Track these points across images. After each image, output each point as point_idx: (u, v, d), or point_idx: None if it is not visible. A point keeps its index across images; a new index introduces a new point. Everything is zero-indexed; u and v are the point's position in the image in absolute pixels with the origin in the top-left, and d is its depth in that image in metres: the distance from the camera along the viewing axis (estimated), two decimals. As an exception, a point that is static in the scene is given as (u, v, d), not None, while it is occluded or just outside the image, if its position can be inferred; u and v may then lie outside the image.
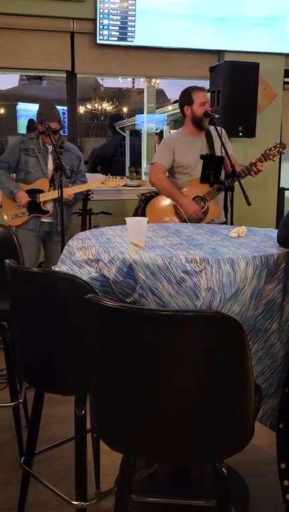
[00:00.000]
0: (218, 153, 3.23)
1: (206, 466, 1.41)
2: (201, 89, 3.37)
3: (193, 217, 3.26)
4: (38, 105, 3.67)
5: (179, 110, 3.53)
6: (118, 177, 3.83)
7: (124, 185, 5.10)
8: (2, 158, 3.67)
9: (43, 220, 3.60)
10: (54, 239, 3.62)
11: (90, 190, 4.03)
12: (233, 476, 2.15)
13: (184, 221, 3.27)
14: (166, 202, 3.38)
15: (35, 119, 3.63)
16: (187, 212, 3.26)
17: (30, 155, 3.57)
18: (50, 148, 3.56)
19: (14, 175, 3.68)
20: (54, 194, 3.48)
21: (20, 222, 3.58)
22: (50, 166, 3.58)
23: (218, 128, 3.24)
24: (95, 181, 3.77)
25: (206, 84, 4.41)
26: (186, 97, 3.36)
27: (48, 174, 3.58)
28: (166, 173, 3.47)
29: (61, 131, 3.63)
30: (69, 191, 3.53)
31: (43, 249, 3.75)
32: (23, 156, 3.57)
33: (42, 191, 3.55)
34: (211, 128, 3.29)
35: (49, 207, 3.57)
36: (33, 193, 3.55)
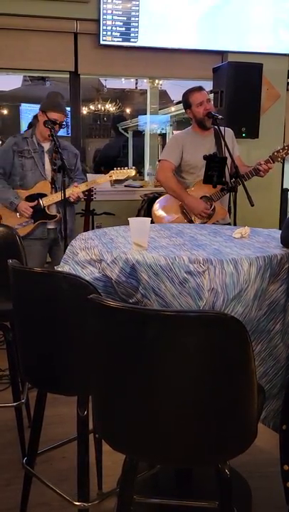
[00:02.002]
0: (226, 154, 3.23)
1: (209, 467, 1.40)
2: (197, 89, 3.33)
3: (201, 215, 3.24)
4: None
5: (181, 111, 3.54)
6: (126, 168, 3.59)
7: (126, 186, 5.10)
8: None
9: (49, 226, 3.38)
10: (60, 244, 3.39)
11: (92, 191, 3.97)
12: (236, 477, 2.14)
13: (190, 221, 3.27)
14: (172, 201, 3.38)
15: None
16: (194, 212, 3.25)
17: (26, 157, 3.32)
18: (45, 147, 3.36)
19: None
20: (58, 196, 3.26)
21: (25, 232, 3.30)
22: (48, 166, 3.35)
23: (223, 128, 3.23)
24: (103, 176, 3.55)
25: (209, 85, 4.41)
26: (184, 102, 3.38)
27: (47, 176, 3.35)
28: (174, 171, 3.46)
29: (64, 132, 3.48)
30: (76, 190, 3.32)
31: (49, 257, 3.53)
32: (17, 158, 3.32)
33: (44, 195, 3.32)
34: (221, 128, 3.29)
35: (55, 211, 3.36)
36: (35, 198, 3.32)
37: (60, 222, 3.35)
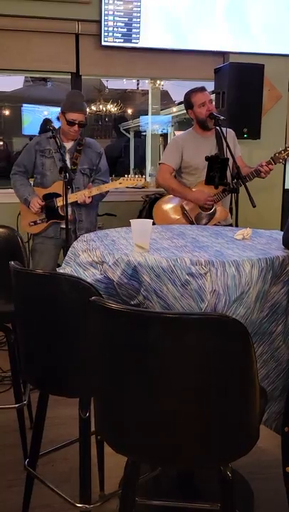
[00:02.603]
0: (227, 154, 3.23)
1: (211, 469, 1.40)
2: (200, 90, 3.33)
3: (207, 204, 3.25)
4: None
5: (183, 112, 3.54)
6: (137, 176, 3.61)
7: (127, 187, 5.08)
8: (18, 161, 3.47)
9: (62, 226, 3.33)
10: (66, 246, 3.38)
11: None
12: (238, 479, 2.14)
13: (191, 222, 3.27)
14: (173, 203, 3.38)
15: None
16: (200, 203, 3.26)
17: (46, 156, 3.36)
18: (67, 146, 3.36)
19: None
20: (72, 197, 3.24)
21: (38, 229, 3.36)
22: (69, 166, 3.30)
23: (224, 129, 3.23)
24: (113, 182, 3.54)
25: (210, 85, 4.40)
26: (186, 102, 3.38)
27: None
28: (173, 174, 3.46)
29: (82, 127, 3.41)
30: (87, 194, 3.30)
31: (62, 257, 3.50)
32: (39, 157, 3.37)
33: (59, 195, 3.28)
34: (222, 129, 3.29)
35: (68, 211, 3.28)
36: (51, 197, 3.33)
37: (74, 223, 3.35)
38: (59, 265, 3.53)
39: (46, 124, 3.66)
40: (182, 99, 3.47)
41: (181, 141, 3.44)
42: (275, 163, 3.22)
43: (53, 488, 1.81)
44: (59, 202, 3.31)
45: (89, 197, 3.30)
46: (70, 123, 3.23)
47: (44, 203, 3.34)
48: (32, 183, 3.49)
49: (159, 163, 3.47)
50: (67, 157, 3.34)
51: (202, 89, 3.34)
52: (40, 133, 4.07)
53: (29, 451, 1.90)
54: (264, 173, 3.21)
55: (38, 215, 3.36)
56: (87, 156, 3.37)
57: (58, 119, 3.30)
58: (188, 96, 3.35)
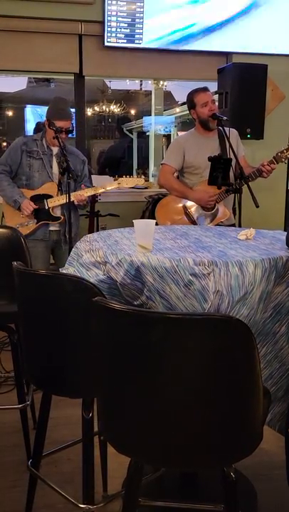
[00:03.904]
0: (230, 155, 3.23)
1: (214, 470, 1.40)
2: (202, 90, 3.34)
3: (209, 204, 3.25)
4: (46, 107, 3.53)
5: (186, 112, 3.53)
6: (135, 176, 3.66)
7: (130, 187, 5.08)
8: (3, 160, 3.38)
9: (51, 228, 3.37)
10: (63, 248, 3.38)
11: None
12: (241, 480, 2.13)
13: (194, 222, 3.27)
14: (175, 203, 3.38)
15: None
16: (202, 203, 3.26)
17: (34, 157, 3.33)
18: (54, 150, 3.36)
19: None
20: (63, 199, 3.27)
21: (27, 231, 3.29)
22: (56, 169, 3.35)
23: (227, 129, 3.23)
24: (111, 183, 3.56)
25: (213, 86, 4.40)
26: (189, 102, 3.38)
27: (54, 178, 3.35)
28: (176, 174, 3.46)
29: (69, 134, 3.44)
30: (83, 194, 3.32)
31: (52, 259, 3.53)
32: (25, 158, 3.33)
33: (50, 196, 3.32)
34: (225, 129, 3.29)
35: (59, 213, 3.35)
36: (40, 198, 3.32)
37: (64, 225, 3.35)
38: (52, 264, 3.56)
39: (38, 127, 3.62)
40: (185, 100, 3.47)
41: (182, 142, 3.44)
42: (278, 163, 3.21)
43: (56, 489, 1.81)
44: (50, 203, 3.32)
45: (86, 197, 3.32)
46: (58, 130, 3.21)
47: (37, 206, 3.32)
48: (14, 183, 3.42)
49: (161, 164, 3.48)
50: (55, 161, 3.36)
51: (205, 89, 3.34)
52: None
53: (32, 452, 1.90)
54: (266, 172, 3.20)
55: (28, 217, 3.32)
56: (72, 162, 3.34)
57: (48, 126, 3.27)
58: (191, 96, 3.35)
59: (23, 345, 1.79)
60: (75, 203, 3.33)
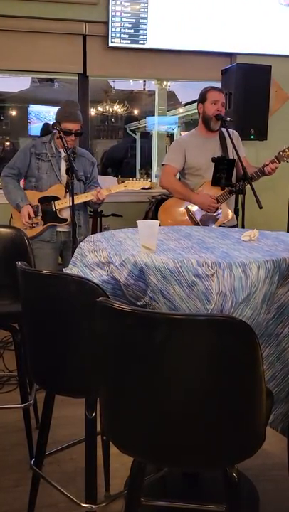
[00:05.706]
0: (230, 155, 3.23)
1: (217, 470, 1.40)
2: (218, 89, 3.40)
3: (211, 209, 3.25)
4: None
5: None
6: (142, 179, 3.62)
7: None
8: (11, 164, 3.43)
9: (59, 229, 3.38)
10: (71, 248, 3.30)
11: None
12: (244, 481, 2.13)
13: (196, 224, 3.27)
14: (177, 206, 3.38)
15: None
16: (203, 207, 3.26)
17: (43, 160, 3.36)
18: (62, 153, 3.37)
19: (23, 182, 3.46)
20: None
21: (34, 233, 3.32)
22: (64, 171, 3.37)
23: (230, 130, 3.24)
24: (118, 185, 3.55)
25: (218, 86, 4.40)
26: (201, 95, 3.39)
27: (62, 180, 3.37)
28: (178, 175, 3.47)
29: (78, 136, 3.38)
30: (104, 193, 3.31)
31: (61, 260, 3.52)
32: (34, 161, 3.37)
33: (57, 198, 3.33)
34: (225, 130, 3.30)
35: (66, 215, 3.34)
36: (48, 200, 3.34)
37: (69, 226, 3.35)
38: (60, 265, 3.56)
39: (47, 127, 3.63)
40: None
41: (183, 142, 3.45)
42: (280, 162, 3.22)
43: (59, 488, 1.81)
44: (57, 205, 3.33)
45: (103, 196, 3.31)
46: (67, 133, 3.24)
47: (40, 214, 3.33)
48: (23, 186, 3.47)
49: (162, 165, 3.48)
50: (63, 164, 3.38)
51: (220, 90, 3.42)
52: (40, 137, 4.05)
53: (35, 451, 1.90)
54: (269, 172, 3.21)
55: (28, 223, 3.31)
56: (82, 164, 3.41)
57: (52, 127, 3.29)
58: (205, 90, 3.38)
59: (27, 344, 1.80)
60: (93, 200, 3.33)
